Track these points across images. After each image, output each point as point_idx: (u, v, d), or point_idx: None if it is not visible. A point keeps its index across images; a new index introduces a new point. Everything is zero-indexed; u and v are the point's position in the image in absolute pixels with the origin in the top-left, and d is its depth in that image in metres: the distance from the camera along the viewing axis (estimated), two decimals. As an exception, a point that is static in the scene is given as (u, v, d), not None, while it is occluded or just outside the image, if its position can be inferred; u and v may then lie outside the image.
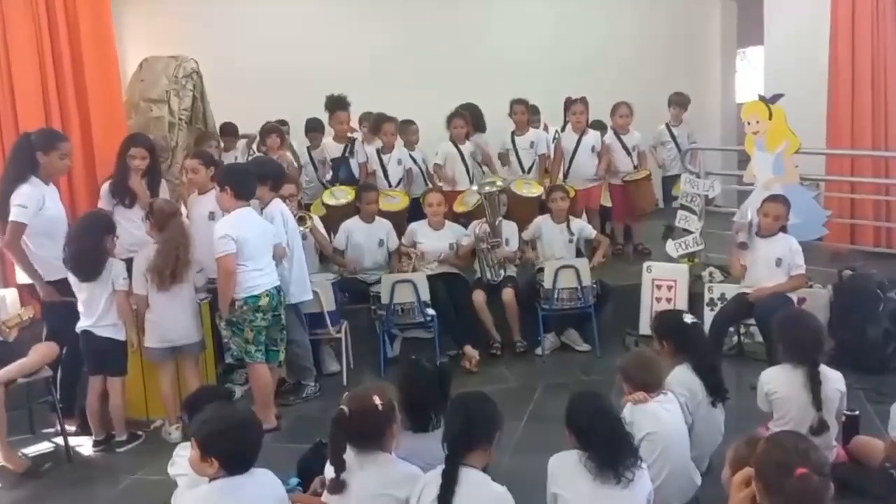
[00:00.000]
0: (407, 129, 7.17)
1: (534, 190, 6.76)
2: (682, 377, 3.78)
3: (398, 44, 8.99)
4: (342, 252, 6.15)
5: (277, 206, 5.10)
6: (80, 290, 4.65)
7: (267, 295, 4.72)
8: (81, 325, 4.67)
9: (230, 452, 2.76)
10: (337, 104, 7.03)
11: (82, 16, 5.83)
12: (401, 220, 6.44)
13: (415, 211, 6.62)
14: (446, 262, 6.14)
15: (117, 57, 6.25)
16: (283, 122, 7.58)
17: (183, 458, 3.25)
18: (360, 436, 2.90)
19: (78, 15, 5.82)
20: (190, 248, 4.78)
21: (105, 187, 5.32)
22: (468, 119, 7.05)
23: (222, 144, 7.17)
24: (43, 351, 4.63)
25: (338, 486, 2.86)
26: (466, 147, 6.99)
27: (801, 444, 2.23)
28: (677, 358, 3.89)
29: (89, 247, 4.58)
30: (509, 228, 6.21)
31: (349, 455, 2.89)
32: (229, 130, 7.51)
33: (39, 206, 4.76)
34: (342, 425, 2.88)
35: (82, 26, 5.83)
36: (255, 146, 7.42)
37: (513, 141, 7.21)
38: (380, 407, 2.88)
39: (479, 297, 5.97)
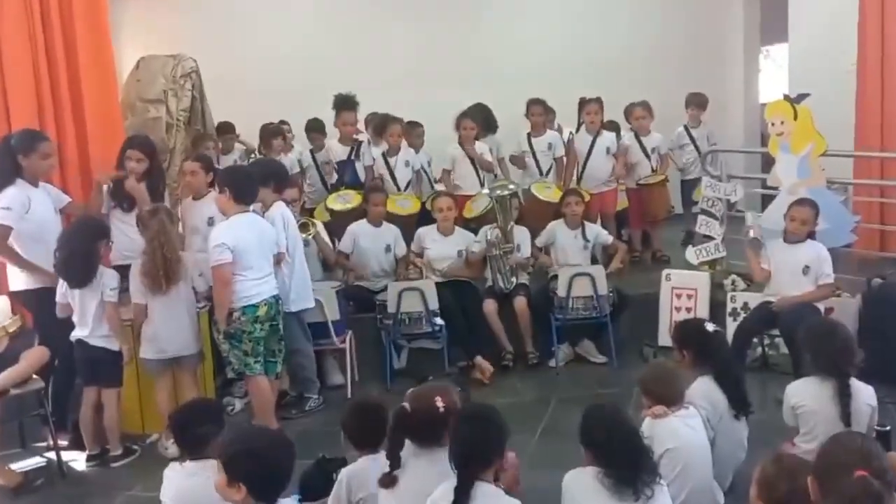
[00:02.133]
0: (412, 131, 7.18)
1: (553, 195, 6.75)
2: (704, 389, 3.76)
3: (406, 43, 9.02)
4: (347, 256, 6.16)
5: (279, 209, 5.10)
6: (73, 298, 4.66)
7: (265, 304, 4.72)
8: (75, 334, 4.68)
9: (258, 477, 2.61)
10: (344, 104, 7.01)
11: (77, 12, 5.85)
12: (410, 225, 6.44)
13: (423, 215, 6.62)
14: (453, 273, 6.14)
15: (113, 56, 6.28)
16: (284, 122, 7.62)
17: (171, 480, 3.24)
18: (419, 434, 3.03)
19: (73, 12, 5.84)
20: (175, 244, 4.77)
21: (105, 189, 5.35)
22: (478, 121, 7.06)
23: (220, 146, 7.20)
24: (34, 356, 4.65)
25: (390, 481, 2.98)
26: (476, 150, 6.99)
27: (864, 445, 2.22)
28: (699, 369, 3.87)
29: (80, 252, 4.59)
30: (521, 234, 6.20)
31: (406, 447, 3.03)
32: (226, 129, 7.55)
33: (25, 208, 4.80)
34: (402, 422, 3.02)
35: (77, 23, 5.86)
36: (255, 153, 7.47)
37: (529, 143, 7.21)
38: (441, 410, 3.00)
39: (490, 305, 5.96)
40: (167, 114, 6.27)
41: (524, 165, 7.27)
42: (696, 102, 7.81)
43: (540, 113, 7.20)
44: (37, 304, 4.94)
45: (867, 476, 2.12)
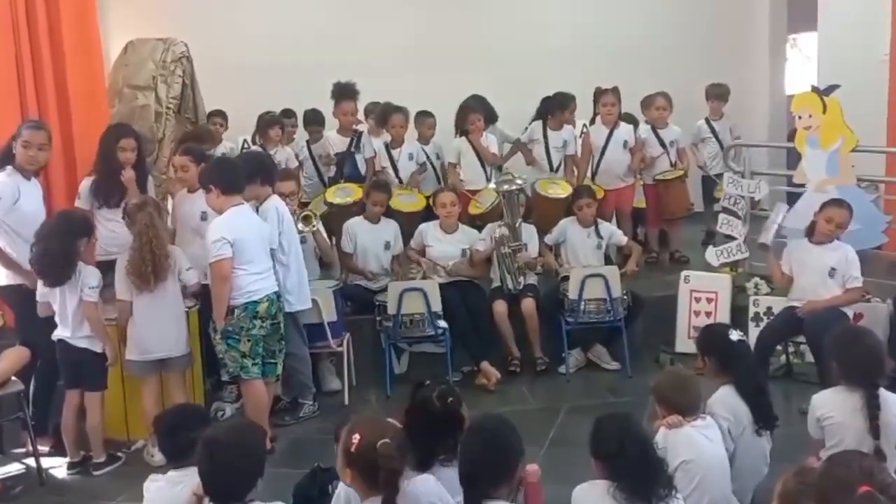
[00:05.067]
0: (423, 122, 7.17)
1: (560, 191, 6.74)
2: (727, 399, 3.74)
3: (411, 29, 9.00)
4: (351, 256, 6.16)
5: (272, 203, 5.07)
6: (52, 296, 4.66)
7: (267, 300, 4.73)
8: (56, 334, 4.68)
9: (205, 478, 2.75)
10: (344, 92, 7.01)
11: (63, -7, 5.88)
12: (414, 222, 6.43)
13: (429, 212, 6.60)
14: (456, 273, 6.13)
15: (100, 39, 6.29)
16: (290, 114, 7.61)
17: (153, 493, 3.24)
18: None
19: (58, -8, 5.87)
20: (163, 239, 4.76)
21: (85, 184, 5.32)
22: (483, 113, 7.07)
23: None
24: (13, 357, 4.66)
25: None
26: (483, 143, 6.96)
27: (864, 461, 2.25)
28: (722, 378, 3.85)
29: (57, 248, 4.56)
30: (528, 232, 6.19)
31: None
32: (217, 116, 7.55)
33: (14, 198, 4.79)
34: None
35: (63, 5, 5.88)
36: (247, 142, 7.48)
37: (545, 136, 7.20)
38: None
39: (500, 307, 5.94)
40: (156, 101, 6.26)
41: (532, 159, 7.26)
42: (717, 94, 7.78)
43: (573, 110, 7.24)
44: (17, 301, 4.95)
45: (872, 491, 2.14)
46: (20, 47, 5.72)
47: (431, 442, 3.18)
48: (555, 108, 7.21)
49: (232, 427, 3.05)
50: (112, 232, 5.16)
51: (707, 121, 7.84)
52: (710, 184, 7.75)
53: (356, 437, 2.78)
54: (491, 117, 7.35)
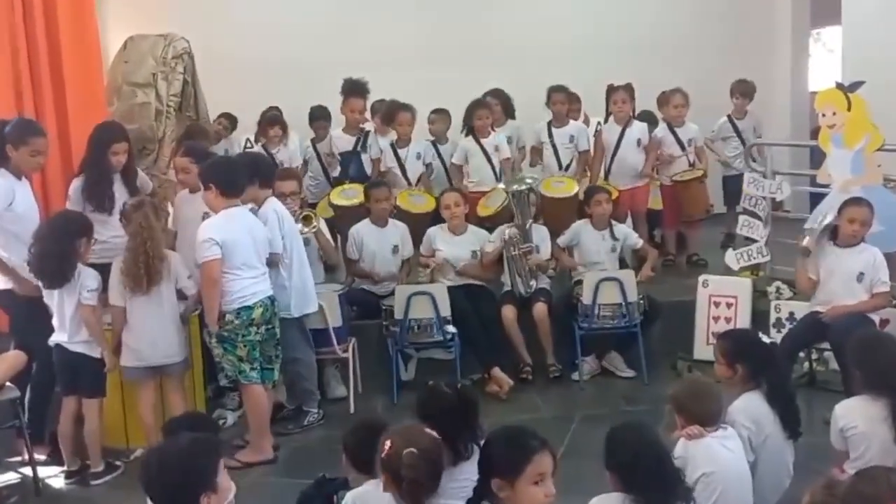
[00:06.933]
0: (441, 121, 7.18)
1: (567, 189, 6.72)
2: (748, 407, 3.73)
3: (419, 25, 9.02)
4: (356, 262, 6.17)
5: (271, 206, 5.08)
6: (50, 298, 4.68)
7: (261, 305, 4.74)
8: (53, 338, 4.70)
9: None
10: (354, 88, 7.00)
11: (60, -12, 5.91)
12: (423, 224, 6.43)
13: (438, 213, 6.60)
14: (466, 274, 6.14)
15: (98, 35, 6.32)
16: (275, 109, 7.63)
17: None
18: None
19: (55, -13, 5.90)
20: (159, 241, 4.76)
21: (76, 186, 5.27)
22: (493, 108, 7.05)
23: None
24: (8, 361, 4.67)
25: None
26: (490, 141, 6.94)
27: (892, 477, 2.25)
28: (749, 385, 3.83)
29: (56, 249, 4.58)
30: (539, 233, 6.19)
31: None
32: (226, 117, 7.59)
33: (9, 200, 4.82)
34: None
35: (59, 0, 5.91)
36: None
37: (550, 134, 7.20)
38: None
39: (509, 312, 5.94)
40: (156, 99, 6.30)
41: (536, 161, 7.25)
42: (743, 91, 7.75)
43: (562, 101, 7.19)
44: (13, 305, 4.97)
45: None
46: (16, 43, 5.74)
47: (449, 439, 3.18)
48: (546, 105, 7.22)
49: (172, 440, 2.90)
50: (99, 237, 5.11)
51: (730, 118, 7.81)
52: (731, 183, 7.72)
53: (388, 444, 2.85)
54: (508, 110, 7.36)
